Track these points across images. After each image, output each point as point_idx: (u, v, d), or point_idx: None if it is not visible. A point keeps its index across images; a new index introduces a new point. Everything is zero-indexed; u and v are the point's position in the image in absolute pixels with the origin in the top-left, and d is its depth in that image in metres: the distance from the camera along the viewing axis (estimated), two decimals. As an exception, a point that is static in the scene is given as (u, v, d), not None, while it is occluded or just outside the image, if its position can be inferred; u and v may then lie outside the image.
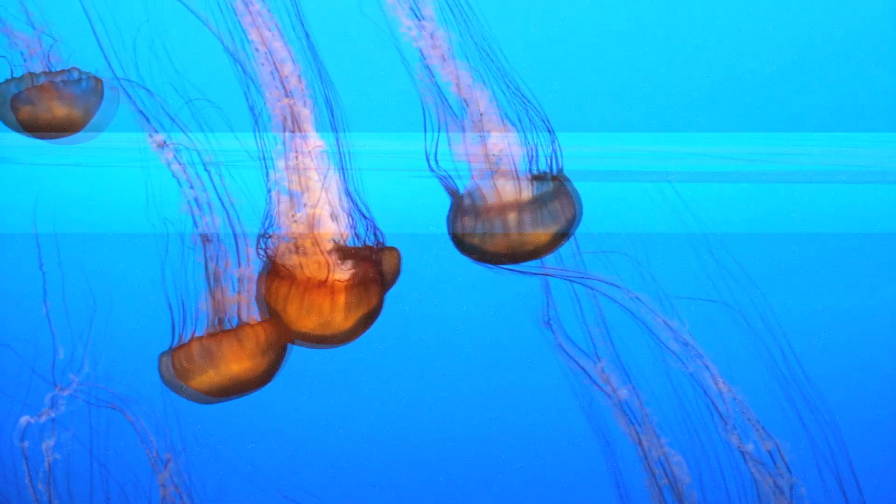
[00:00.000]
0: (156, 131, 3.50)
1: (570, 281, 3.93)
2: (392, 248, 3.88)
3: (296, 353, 3.89)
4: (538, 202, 3.77)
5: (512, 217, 3.75)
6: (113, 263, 4.19)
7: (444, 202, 3.83)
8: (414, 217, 3.99)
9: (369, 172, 3.82)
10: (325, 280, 3.72)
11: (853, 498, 4.00)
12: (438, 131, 3.72)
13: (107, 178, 4.14)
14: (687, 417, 3.97)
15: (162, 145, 3.47)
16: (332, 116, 3.70)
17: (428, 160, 3.74)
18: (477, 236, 3.79)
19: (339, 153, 3.71)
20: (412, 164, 3.88)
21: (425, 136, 3.72)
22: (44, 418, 4.07)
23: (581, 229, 3.83)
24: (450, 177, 3.79)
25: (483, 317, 4.25)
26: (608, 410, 3.99)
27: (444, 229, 3.84)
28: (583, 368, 3.97)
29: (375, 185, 3.83)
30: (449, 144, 3.72)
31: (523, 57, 3.83)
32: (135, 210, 3.90)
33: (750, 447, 3.92)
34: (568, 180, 3.85)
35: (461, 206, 3.82)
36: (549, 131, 3.78)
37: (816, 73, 4.10)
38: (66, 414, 4.11)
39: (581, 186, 3.84)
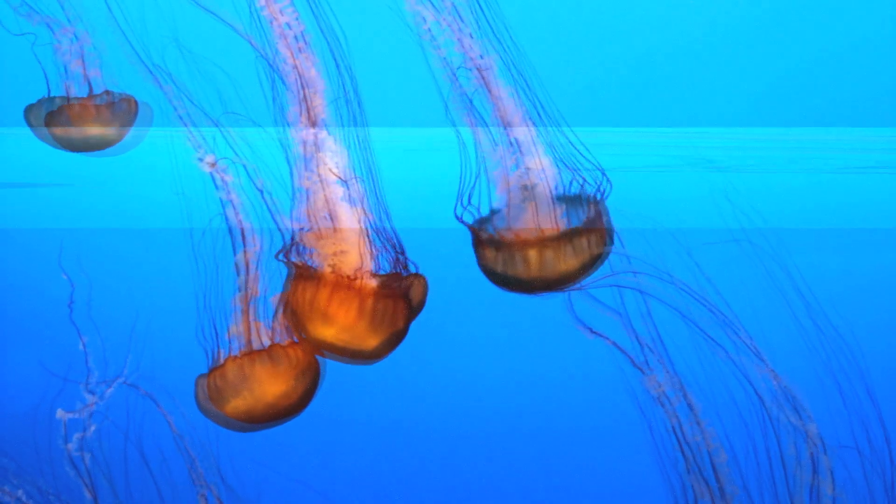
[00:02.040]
0: (205, 152, 3.50)
1: (615, 284, 3.92)
2: (419, 276, 3.85)
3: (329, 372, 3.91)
4: (566, 237, 3.66)
5: (533, 255, 3.66)
6: (149, 284, 4.19)
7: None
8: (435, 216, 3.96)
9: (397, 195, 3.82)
10: (353, 283, 3.71)
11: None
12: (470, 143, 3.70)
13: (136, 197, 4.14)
14: (740, 415, 3.97)
15: (213, 165, 3.47)
16: (367, 152, 3.71)
17: (457, 204, 3.70)
18: (499, 267, 3.71)
19: (373, 185, 3.71)
20: (438, 174, 3.89)
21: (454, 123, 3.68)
22: (81, 414, 4.05)
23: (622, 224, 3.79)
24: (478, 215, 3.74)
25: (514, 313, 4.23)
26: (654, 408, 3.99)
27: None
28: (638, 367, 3.95)
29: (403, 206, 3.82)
30: (484, 171, 3.69)
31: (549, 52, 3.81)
32: (171, 228, 3.90)
33: (812, 426, 3.91)
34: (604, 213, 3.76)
35: (482, 239, 3.73)
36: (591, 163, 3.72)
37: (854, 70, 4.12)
38: (103, 408, 4.10)
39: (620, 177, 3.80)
